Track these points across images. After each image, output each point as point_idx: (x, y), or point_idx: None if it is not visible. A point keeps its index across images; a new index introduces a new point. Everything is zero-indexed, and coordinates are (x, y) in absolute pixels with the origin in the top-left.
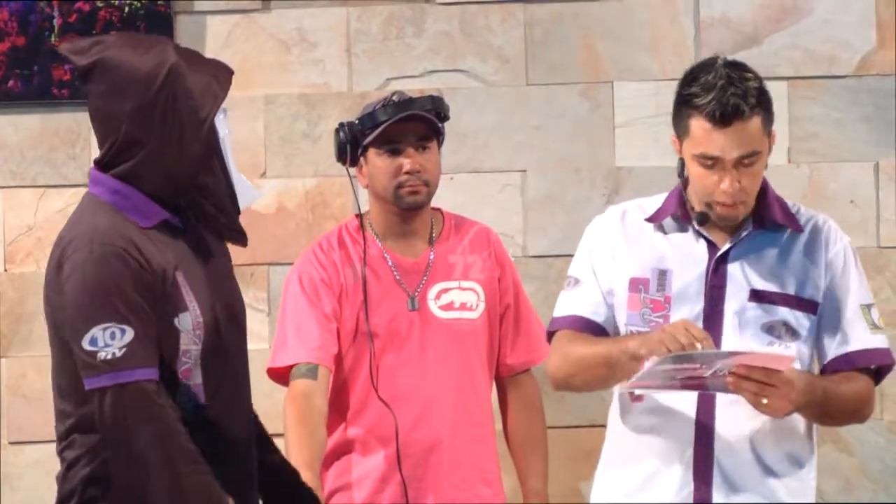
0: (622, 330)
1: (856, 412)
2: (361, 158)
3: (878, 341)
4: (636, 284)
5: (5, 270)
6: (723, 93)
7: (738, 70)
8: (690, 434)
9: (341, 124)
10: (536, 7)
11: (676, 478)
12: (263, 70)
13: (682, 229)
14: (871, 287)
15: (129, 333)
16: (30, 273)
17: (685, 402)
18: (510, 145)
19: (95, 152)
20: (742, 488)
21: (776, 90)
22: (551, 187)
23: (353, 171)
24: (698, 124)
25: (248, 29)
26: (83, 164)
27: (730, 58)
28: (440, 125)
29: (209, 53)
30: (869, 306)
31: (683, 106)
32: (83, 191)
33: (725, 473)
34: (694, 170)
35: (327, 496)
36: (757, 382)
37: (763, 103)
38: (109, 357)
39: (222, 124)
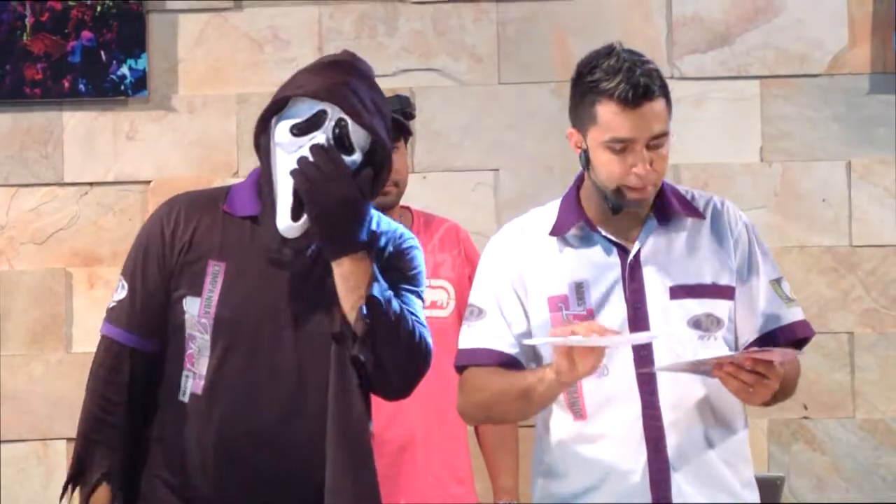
0: (550, 352)
1: (789, 390)
2: None
3: (795, 314)
4: (555, 303)
5: None
6: (630, 74)
7: (637, 55)
8: (642, 446)
9: None
10: (509, 6)
11: (633, 491)
12: (236, 69)
13: (587, 238)
14: (843, 286)
15: (124, 292)
16: (2, 272)
17: (629, 417)
18: (483, 144)
19: (67, 151)
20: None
21: (749, 89)
22: (524, 186)
23: None
24: (607, 109)
25: (221, 28)
26: (55, 162)
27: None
28: (407, 125)
29: (181, 52)
30: (779, 280)
31: (587, 94)
32: (55, 189)
33: (682, 479)
34: (602, 157)
35: None
36: (757, 375)
37: (664, 87)
38: (109, 305)
39: (283, 132)
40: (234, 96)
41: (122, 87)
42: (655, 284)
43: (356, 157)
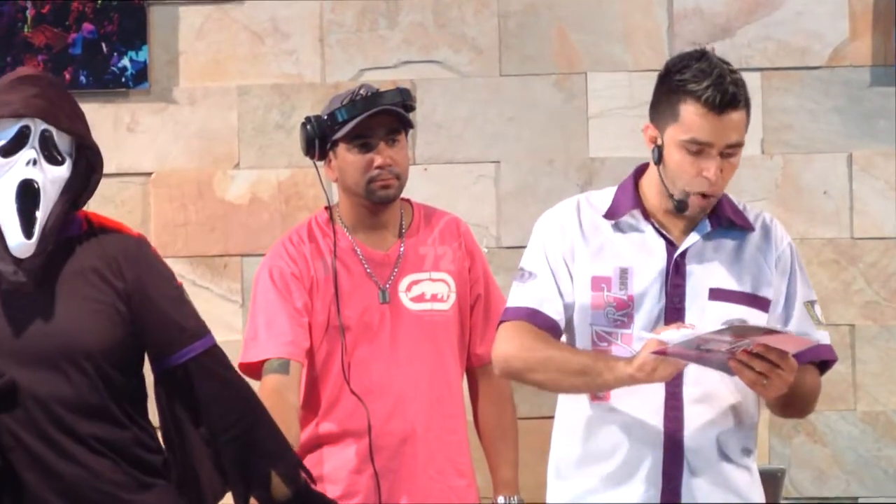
0: (586, 329)
1: (809, 405)
2: (330, 153)
3: (823, 337)
4: (598, 283)
5: None
6: (721, 80)
7: (727, 63)
8: (660, 433)
9: (308, 119)
10: None
11: (644, 473)
12: (237, 61)
13: (639, 226)
14: (845, 279)
15: None
16: None
17: (652, 403)
18: (484, 136)
19: None
20: (710, 484)
21: (750, 81)
22: (525, 178)
23: (320, 164)
24: (692, 110)
25: (222, 20)
26: None
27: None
28: (408, 117)
29: (182, 45)
30: (812, 303)
31: (674, 93)
32: None
33: (694, 472)
34: (676, 157)
35: None
36: (769, 364)
37: (748, 100)
38: None
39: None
40: (235, 88)
41: (123, 80)
42: (697, 283)
43: (66, 166)
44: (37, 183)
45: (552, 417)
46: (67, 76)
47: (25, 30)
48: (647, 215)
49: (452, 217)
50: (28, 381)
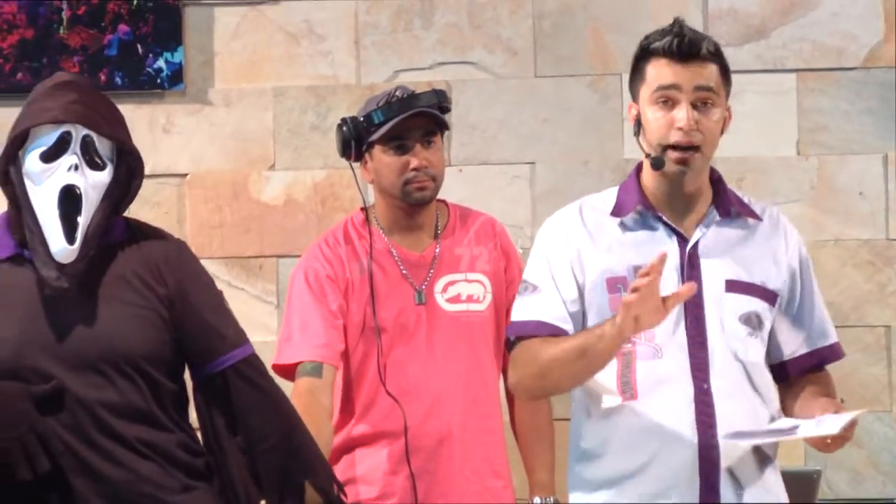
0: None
1: None
2: (366, 154)
3: (835, 335)
4: (613, 284)
5: None
6: (680, 30)
7: (700, 32)
8: (692, 428)
9: (344, 120)
10: None
11: (683, 472)
12: (272, 62)
13: (647, 222)
14: (880, 280)
15: None
16: None
17: (682, 399)
18: (519, 137)
19: None
20: (746, 484)
21: (785, 82)
22: (560, 179)
23: (356, 165)
24: (655, 64)
25: (257, 21)
26: None
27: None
28: (444, 119)
29: (217, 46)
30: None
31: (640, 59)
32: None
33: (730, 470)
34: (650, 115)
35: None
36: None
37: (721, 60)
38: None
39: (33, 161)
40: (270, 90)
41: (159, 81)
42: (713, 275)
43: (107, 171)
44: (79, 188)
45: None
46: (103, 77)
47: (61, 31)
48: (652, 209)
49: (488, 217)
50: (73, 385)
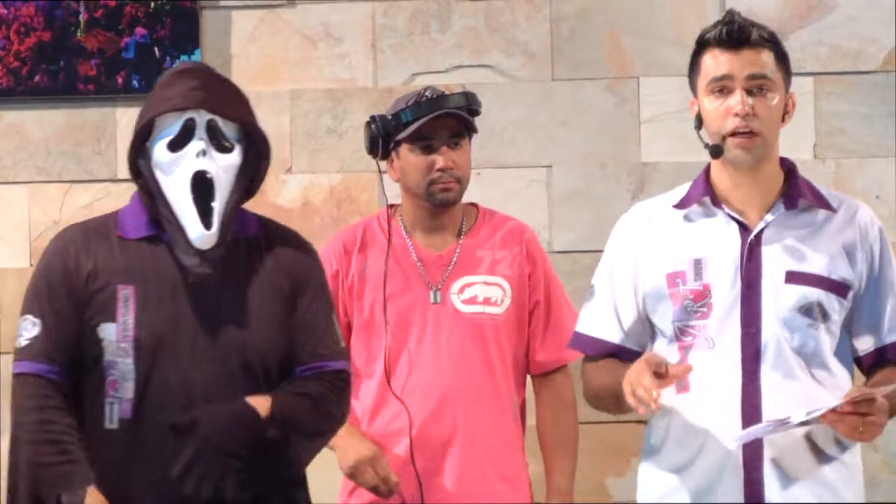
0: (668, 328)
1: None
2: (393, 153)
3: None
4: (673, 279)
5: (31, 265)
6: (731, 17)
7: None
8: (738, 420)
9: (373, 118)
10: (563, 2)
11: (726, 464)
12: (289, 65)
13: (711, 214)
14: None
15: (36, 329)
16: None
17: (729, 389)
18: (536, 140)
19: (121, 148)
20: (795, 478)
21: (802, 86)
22: (577, 182)
23: (382, 164)
24: (709, 55)
25: (274, 24)
26: (108, 159)
27: None
28: (472, 121)
29: (235, 48)
30: None
31: (696, 54)
32: (108, 186)
33: (776, 462)
34: (707, 106)
35: (349, 492)
36: (860, 415)
37: (776, 45)
38: (19, 346)
39: (161, 152)
40: (287, 93)
41: None
42: (773, 266)
43: (236, 153)
44: (209, 173)
45: (604, 422)
46: (120, 80)
47: (78, 34)
48: (716, 201)
49: (518, 223)
50: (194, 375)
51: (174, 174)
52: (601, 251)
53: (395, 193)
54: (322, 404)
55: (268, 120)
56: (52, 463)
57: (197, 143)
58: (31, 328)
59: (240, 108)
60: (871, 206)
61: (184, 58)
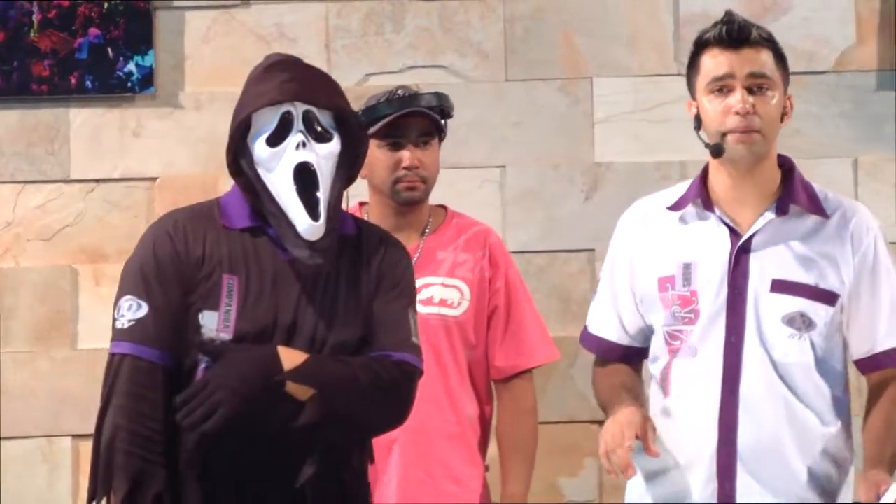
0: (660, 332)
1: None
2: None
3: None
4: (664, 284)
5: None
6: (731, 19)
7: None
8: (713, 432)
9: None
10: (516, 2)
11: (700, 476)
12: (243, 65)
13: (704, 217)
14: None
15: (144, 310)
16: (8, 268)
17: (708, 401)
18: (489, 141)
19: (74, 148)
20: (767, 486)
21: None
22: (530, 183)
23: None
24: (708, 54)
25: (228, 24)
26: (62, 159)
27: None
28: (443, 122)
29: (188, 49)
30: None
31: (695, 54)
32: (62, 186)
33: (750, 472)
34: (707, 105)
35: None
36: None
37: (774, 46)
38: (120, 326)
39: (261, 148)
40: (240, 93)
41: (129, 84)
42: (759, 274)
43: (335, 141)
44: (311, 164)
45: (556, 423)
46: (73, 81)
47: (31, 34)
48: (709, 204)
49: (484, 228)
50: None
51: (276, 169)
52: (555, 251)
53: (354, 192)
54: (361, 377)
55: (221, 120)
56: (136, 456)
57: (296, 136)
58: (136, 309)
59: (333, 96)
60: None
61: (137, 58)
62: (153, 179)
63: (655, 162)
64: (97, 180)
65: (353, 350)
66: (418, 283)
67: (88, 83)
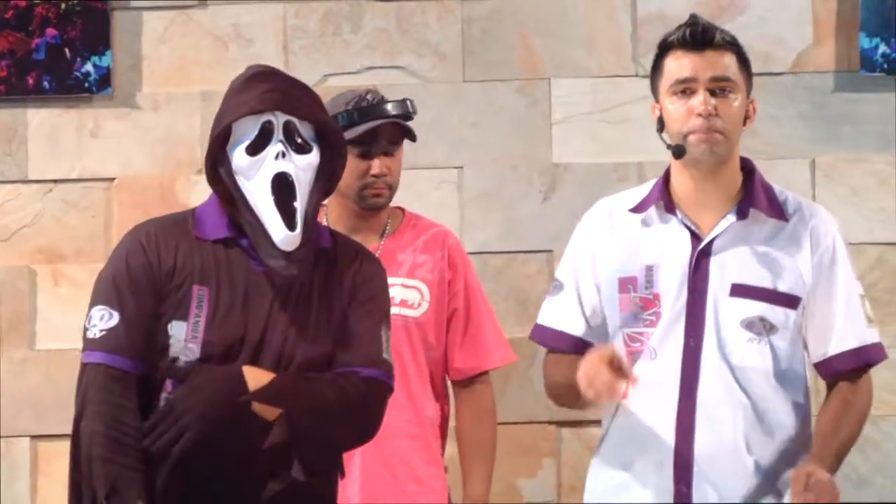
0: (617, 333)
1: (859, 432)
2: None
3: (872, 335)
4: (625, 284)
5: None
6: (695, 21)
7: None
8: (671, 435)
9: None
10: (474, 3)
11: (657, 478)
12: (200, 66)
13: (665, 220)
14: None
15: (116, 319)
16: None
17: (666, 404)
18: (447, 142)
19: (31, 149)
20: (723, 490)
21: None
22: (488, 184)
23: None
24: (672, 56)
25: (185, 25)
26: (19, 160)
27: None
28: (412, 130)
29: (146, 49)
30: (861, 297)
31: (659, 57)
32: (19, 187)
33: (706, 475)
34: (669, 107)
35: None
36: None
37: (738, 49)
38: (92, 336)
39: (240, 157)
40: (198, 94)
41: (87, 85)
42: (719, 278)
43: (314, 153)
44: (290, 175)
45: (515, 423)
46: (31, 81)
47: None
48: (670, 207)
49: (442, 229)
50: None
51: (255, 178)
52: (513, 252)
53: None
54: (328, 395)
55: (179, 121)
56: (114, 462)
57: (275, 146)
58: (107, 319)
59: (314, 108)
60: None
61: (94, 59)
62: (111, 180)
63: (613, 163)
64: (55, 181)
65: (322, 366)
66: None
67: (46, 83)
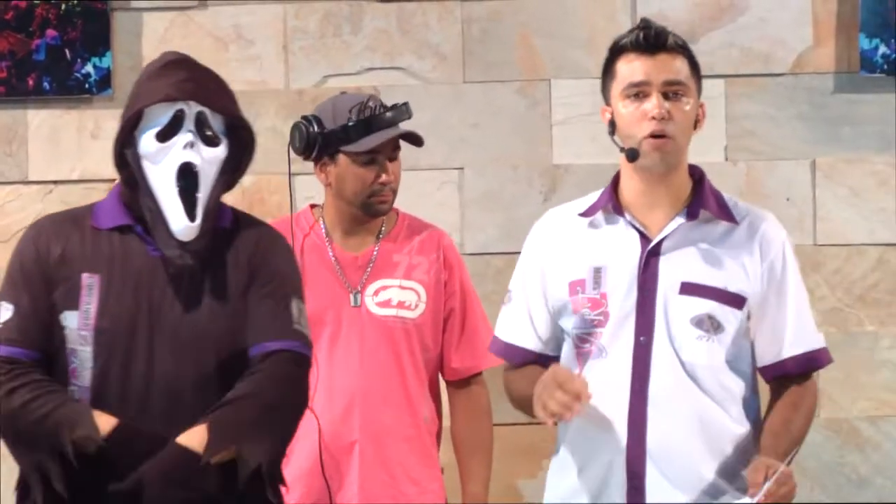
0: (570, 334)
1: (806, 431)
2: (327, 157)
3: (819, 340)
4: (574, 287)
5: None
6: (647, 25)
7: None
8: (623, 431)
9: (308, 119)
10: (474, 4)
11: (611, 474)
12: None
13: (613, 222)
14: (808, 285)
15: (9, 313)
16: None
17: (618, 400)
18: (448, 143)
19: (32, 149)
20: (676, 485)
21: (713, 88)
22: (489, 185)
23: (294, 166)
24: (624, 60)
25: (185, 26)
26: (20, 161)
27: None
28: (420, 137)
29: (146, 50)
30: (807, 305)
31: (610, 60)
32: (20, 188)
33: (660, 470)
34: (622, 110)
35: None
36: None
37: (689, 53)
38: None
39: (148, 142)
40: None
41: (87, 86)
42: (668, 277)
43: (222, 147)
44: (196, 165)
45: (514, 424)
46: (31, 82)
47: None
48: (619, 209)
49: (437, 230)
50: (160, 371)
51: (161, 164)
52: (513, 253)
53: (304, 196)
54: (263, 397)
55: None
56: (53, 408)
57: (185, 135)
58: (3, 313)
59: (227, 101)
60: (781, 208)
61: (95, 60)
62: (111, 181)
63: (613, 164)
64: (55, 182)
65: (219, 342)
66: (376, 285)
67: (46, 84)
